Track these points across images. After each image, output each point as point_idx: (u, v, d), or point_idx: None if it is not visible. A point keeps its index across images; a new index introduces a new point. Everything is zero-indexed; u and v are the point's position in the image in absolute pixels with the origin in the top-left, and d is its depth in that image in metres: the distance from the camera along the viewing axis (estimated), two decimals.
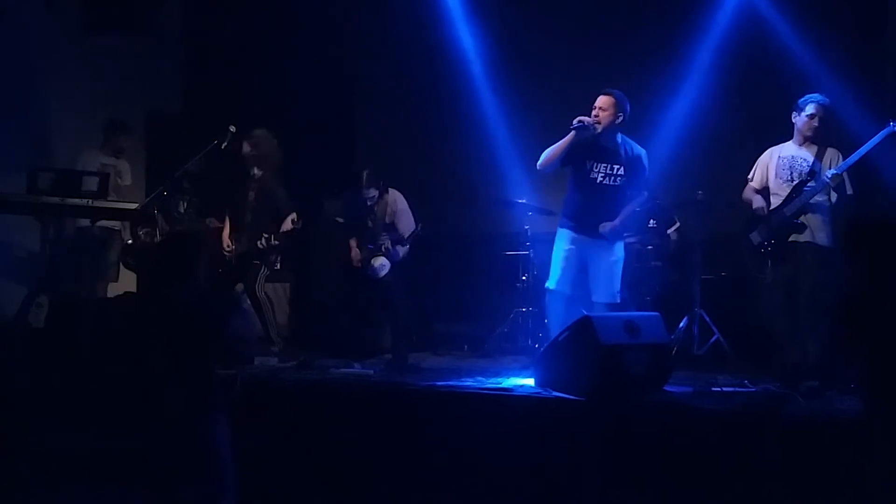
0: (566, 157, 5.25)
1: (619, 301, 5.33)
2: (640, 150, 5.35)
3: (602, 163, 5.25)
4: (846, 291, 3.62)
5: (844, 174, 5.13)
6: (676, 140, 6.92)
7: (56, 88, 7.04)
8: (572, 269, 5.29)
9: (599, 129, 5.20)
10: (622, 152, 5.26)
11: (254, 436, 4.23)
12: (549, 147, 5.28)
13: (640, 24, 7.19)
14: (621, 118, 5.24)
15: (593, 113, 5.21)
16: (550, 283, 5.36)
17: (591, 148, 5.25)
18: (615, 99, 5.22)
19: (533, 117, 7.04)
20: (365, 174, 6.27)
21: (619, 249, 5.36)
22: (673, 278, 6.40)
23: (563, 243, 5.34)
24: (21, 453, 3.27)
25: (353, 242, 6.34)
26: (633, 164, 5.28)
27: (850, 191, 5.19)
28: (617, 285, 5.32)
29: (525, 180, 6.81)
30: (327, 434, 4.53)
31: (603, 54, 7.26)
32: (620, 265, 5.38)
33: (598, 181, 5.26)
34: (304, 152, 7.50)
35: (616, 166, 5.25)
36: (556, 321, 5.30)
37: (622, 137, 5.31)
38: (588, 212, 5.30)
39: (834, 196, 5.20)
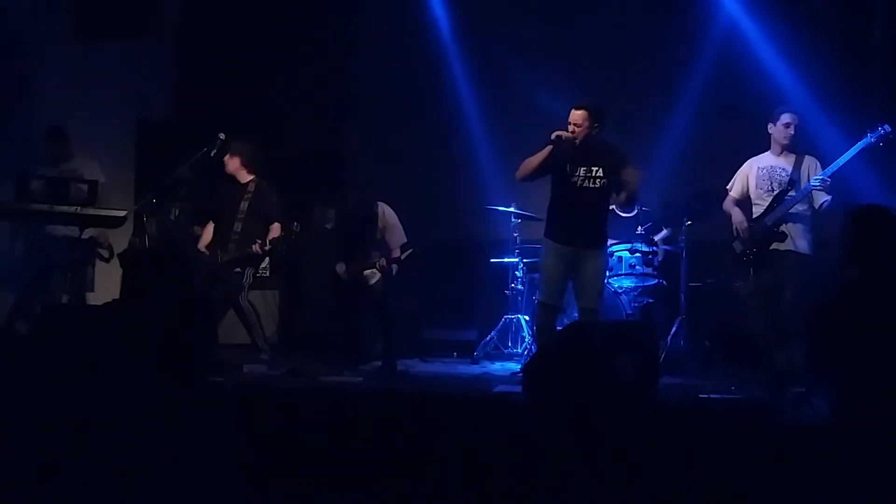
0: (545, 167, 5.28)
1: (601, 307, 5.36)
2: (624, 156, 5.31)
3: (581, 166, 5.24)
4: (829, 298, 3.68)
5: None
6: (663, 149, 6.99)
7: (47, 95, 7.02)
8: (561, 283, 5.31)
9: (577, 142, 5.20)
10: (602, 158, 5.25)
11: (243, 443, 4.23)
12: (528, 158, 5.29)
13: (626, 35, 7.26)
14: (597, 128, 5.23)
15: (569, 129, 5.21)
16: (540, 297, 5.40)
17: (570, 153, 5.26)
18: (588, 111, 5.21)
19: (522, 125, 7.08)
20: (351, 202, 6.29)
21: (603, 257, 5.41)
22: (660, 286, 6.44)
23: (548, 256, 5.36)
24: (14, 462, 3.28)
25: (341, 266, 6.31)
26: (613, 169, 5.25)
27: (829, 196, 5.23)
28: (600, 292, 5.36)
29: (513, 188, 6.84)
30: (317, 441, 4.53)
31: (590, 65, 7.32)
32: (604, 272, 5.45)
33: (577, 184, 5.24)
34: (294, 161, 7.52)
35: (595, 168, 5.23)
36: (544, 335, 5.34)
37: (604, 145, 5.30)
38: (570, 218, 5.29)
39: (821, 198, 5.21)
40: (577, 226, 5.27)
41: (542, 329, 5.41)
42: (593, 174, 5.24)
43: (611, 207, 5.55)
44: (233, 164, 6.23)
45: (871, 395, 3.40)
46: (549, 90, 7.14)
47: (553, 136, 5.17)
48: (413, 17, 7.56)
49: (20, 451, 3.33)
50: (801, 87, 6.31)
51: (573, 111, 5.24)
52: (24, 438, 3.38)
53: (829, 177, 5.16)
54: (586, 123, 5.20)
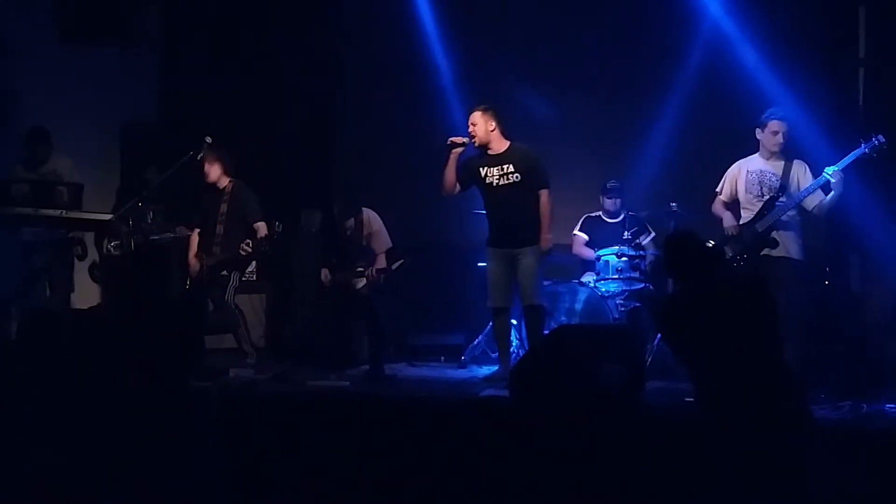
0: (461, 176, 5.65)
1: (540, 304, 5.61)
2: (533, 153, 5.65)
3: (493, 167, 5.60)
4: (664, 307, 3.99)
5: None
6: (650, 154, 7.02)
7: (33, 97, 6.99)
8: (501, 284, 5.63)
9: (476, 142, 5.57)
10: (511, 156, 5.58)
11: (230, 448, 4.21)
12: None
13: (613, 44, 7.28)
14: (494, 126, 5.56)
15: (469, 130, 5.58)
16: (489, 302, 5.71)
17: (481, 158, 5.63)
18: (481, 112, 5.56)
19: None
20: (336, 210, 6.40)
21: (535, 254, 5.57)
22: (647, 290, 6.46)
23: (489, 262, 5.73)
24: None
25: (325, 273, 6.44)
26: (525, 164, 5.56)
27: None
28: (538, 288, 5.61)
29: None
30: (304, 445, 4.52)
31: (577, 74, 7.36)
32: (538, 269, 5.60)
33: (494, 185, 5.58)
34: (281, 163, 7.51)
35: (506, 166, 5.57)
36: (499, 339, 5.74)
37: (511, 144, 5.63)
38: (498, 220, 5.62)
39: (816, 199, 5.18)
40: (506, 225, 5.60)
41: (496, 333, 5.80)
42: (505, 171, 5.59)
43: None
44: (214, 172, 6.21)
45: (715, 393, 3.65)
46: (537, 96, 7.18)
47: (448, 142, 5.59)
48: (401, 23, 7.55)
49: (5, 458, 3.32)
50: (786, 95, 6.33)
51: (472, 113, 5.62)
52: (8, 445, 3.36)
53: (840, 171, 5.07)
54: (481, 122, 5.57)
